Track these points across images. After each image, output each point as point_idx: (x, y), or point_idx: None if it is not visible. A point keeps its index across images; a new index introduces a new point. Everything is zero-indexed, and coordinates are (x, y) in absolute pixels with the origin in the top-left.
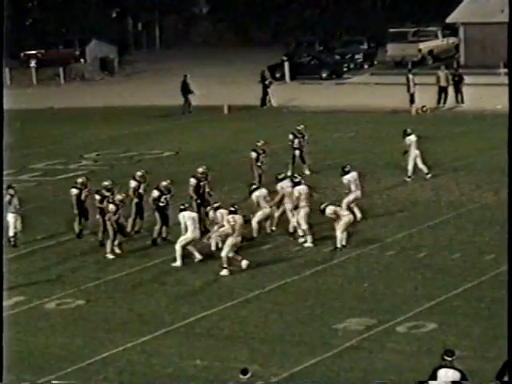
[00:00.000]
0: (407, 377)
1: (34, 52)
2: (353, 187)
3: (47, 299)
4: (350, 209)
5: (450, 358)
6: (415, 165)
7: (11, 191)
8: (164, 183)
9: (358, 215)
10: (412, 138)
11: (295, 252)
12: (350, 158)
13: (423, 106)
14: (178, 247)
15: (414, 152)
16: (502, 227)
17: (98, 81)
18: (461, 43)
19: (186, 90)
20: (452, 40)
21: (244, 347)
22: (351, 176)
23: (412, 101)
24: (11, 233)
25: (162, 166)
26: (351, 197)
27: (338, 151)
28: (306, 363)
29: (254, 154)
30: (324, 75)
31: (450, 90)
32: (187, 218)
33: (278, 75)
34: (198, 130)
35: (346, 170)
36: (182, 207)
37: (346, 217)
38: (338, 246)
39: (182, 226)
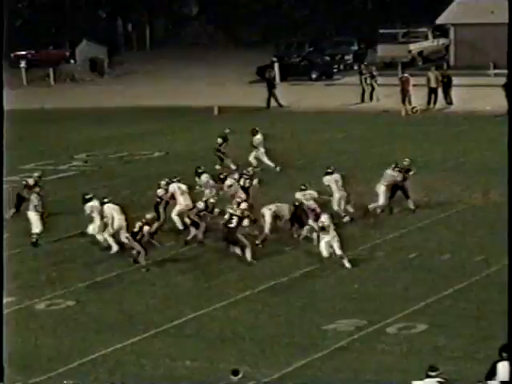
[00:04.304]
0: (398, 378)
1: (24, 53)
2: (333, 187)
3: (37, 300)
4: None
5: (434, 373)
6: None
7: (37, 189)
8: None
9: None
10: (259, 136)
11: (285, 252)
12: (340, 159)
13: (413, 107)
14: (106, 237)
15: (261, 150)
16: (491, 228)
17: (87, 81)
18: (451, 44)
19: None
20: (442, 41)
21: (234, 348)
22: (332, 177)
23: (409, 101)
24: (37, 230)
25: (152, 167)
26: (336, 196)
27: (328, 152)
28: (297, 364)
29: (220, 140)
30: (314, 76)
31: (440, 91)
32: (112, 209)
33: (267, 76)
34: (188, 130)
35: (329, 171)
36: (105, 200)
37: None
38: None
39: (109, 216)
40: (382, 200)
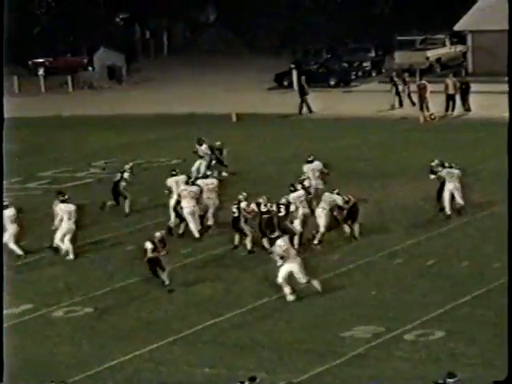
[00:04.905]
0: None
1: (42, 60)
2: (310, 175)
3: (55, 307)
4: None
5: (452, 380)
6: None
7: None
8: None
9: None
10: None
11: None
12: (358, 166)
13: (431, 114)
14: (58, 242)
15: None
16: (510, 235)
17: (105, 89)
18: (468, 51)
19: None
20: (460, 48)
21: (252, 355)
22: (312, 165)
23: (427, 108)
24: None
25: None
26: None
27: (345, 159)
28: (314, 371)
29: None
30: (332, 83)
31: (458, 98)
32: (64, 210)
33: (285, 83)
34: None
35: (309, 159)
36: (61, 198)
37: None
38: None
39: (59, 218)
40: None
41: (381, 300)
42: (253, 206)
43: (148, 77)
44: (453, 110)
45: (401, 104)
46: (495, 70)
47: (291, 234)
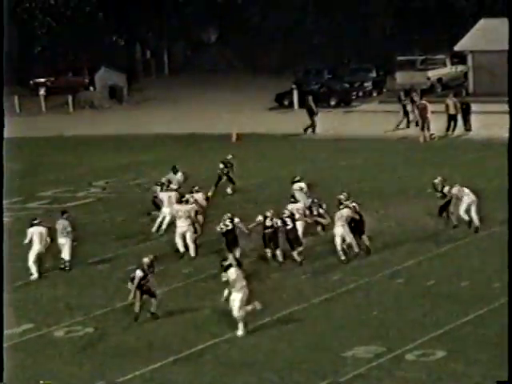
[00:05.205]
0: None
1: (43, 80)
2: (297, 195)
3: (56, 327)
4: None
5: None
6: None
7: (66, 216)
8: (146, 260)
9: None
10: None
11: (304, 279)
12: (359, 186)
13: (431, 134)
14: (30, 263)
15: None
16: (510, 255)
17: (107, 108)
18: (469, 71)
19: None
20: (460, 68)
21: (253, 375)
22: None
23: (427, 128)
24: (66, 257)
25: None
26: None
27: (346, 179)
28: None
29: (221, 165)
30: (333, 103)
31: (459, 118)
32: (35, 232)
33: (286, 103)
34: (207, 157)
35: (295, 180)
36: (34, 222)
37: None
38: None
39: (28, 239)
40: None
41: (382, 320)
42: (260, 217)
43: (149, 96)
44: (454, 130)
45: (408, 123)
46: (496, 90)
47: (299, 245)
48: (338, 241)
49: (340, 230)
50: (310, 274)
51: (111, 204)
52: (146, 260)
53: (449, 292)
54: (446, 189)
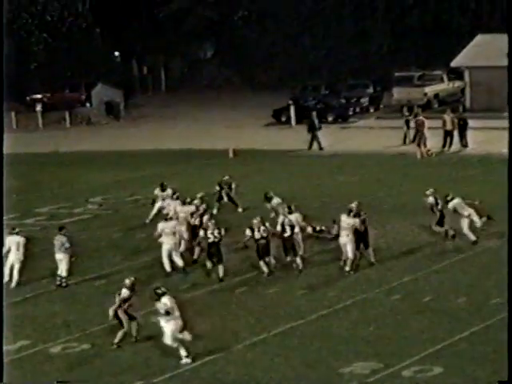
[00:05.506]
0: None
1: (39, 96)
2: (280, 210)
3: (52, 343)
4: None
5: None
6: None
7: (64, 231)
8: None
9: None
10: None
11: (300, 295)
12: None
13: (428, 150)
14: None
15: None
16: (509, 270)
17: (103, 125)
18: (466, 87)
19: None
20: (457, 84)
21: None
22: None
23: (424, 144)
24: (63, 273)
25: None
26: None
27: (343, 195)
28: None
29: (217, 187)
30: (330, 119)
31: (456, 134)
32: (12, 242)
33: (283, 119)
34: (203, 174)
35: (268, 196)
36: (12, 231)
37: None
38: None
39: (6, 249)
40: None
41: (379, 336)
42: (248, 231)
43: (146, 113)
44: (450, 146)
45: (414, 139)
46: (493, 105)
47: (295, 255)
48: (345, 250)
49: (345, 240)
50: (306, 289)
51: (108, 220)
52: (127, 282)
53: (446, 308)
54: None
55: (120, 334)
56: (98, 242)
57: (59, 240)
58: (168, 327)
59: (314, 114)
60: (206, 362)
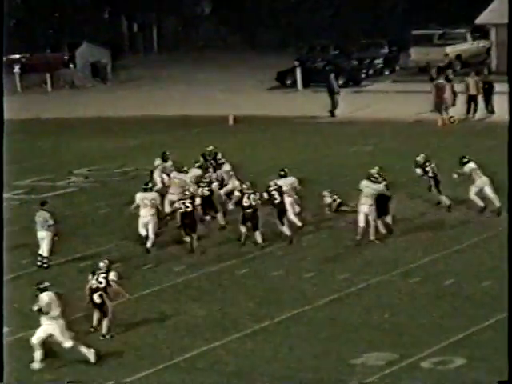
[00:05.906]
0: None
1: (18, 56)
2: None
3: (33, 331)
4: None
5: None
6: None
7: (46, 207)
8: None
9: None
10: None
11: (307, 279)
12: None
13: (451, 117)
14: None
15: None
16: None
17: (88, 88)
18: (492, 47)
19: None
20: (482, 43)
21: None
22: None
23: (446, 110)
24: (45, 253)
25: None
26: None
27: (354, 166)
28: None
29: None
30: (340, 82)
31: (480, 99)
32: None
33: (288, 82)
34: (201, 143)
35: (281, 174)
36: None
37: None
38: None
39: None
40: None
41: (394, 324)
42: (236, 193)
43: (136, 75)
44: (475, 112)
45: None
46: None
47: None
48: (361, 218)
49: (366, 209)
50: (313, 272)
51: (94, 194)
52: (101, 264)
53: (468, 293)
54: (431, 166)
55: (106, 323)
56: (83, 218)
57: (41, 216)
58: (45, 328)
59: (332, 76)
60: (202, 351)
